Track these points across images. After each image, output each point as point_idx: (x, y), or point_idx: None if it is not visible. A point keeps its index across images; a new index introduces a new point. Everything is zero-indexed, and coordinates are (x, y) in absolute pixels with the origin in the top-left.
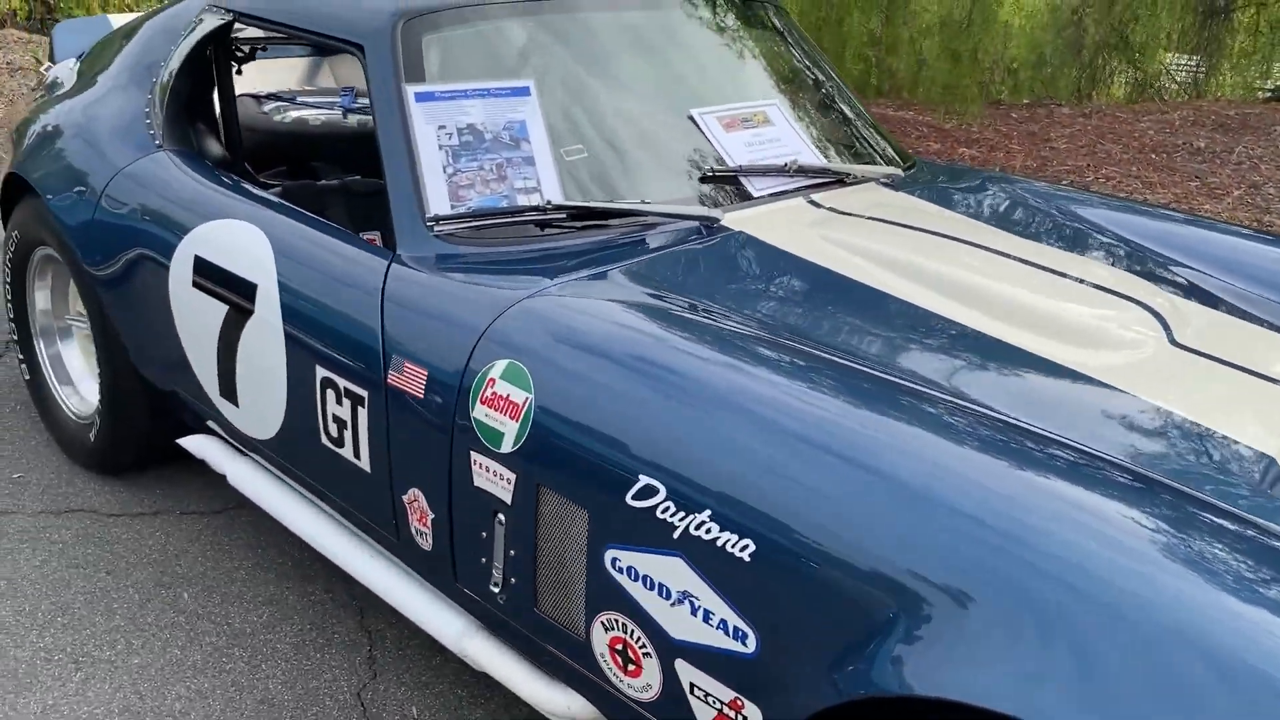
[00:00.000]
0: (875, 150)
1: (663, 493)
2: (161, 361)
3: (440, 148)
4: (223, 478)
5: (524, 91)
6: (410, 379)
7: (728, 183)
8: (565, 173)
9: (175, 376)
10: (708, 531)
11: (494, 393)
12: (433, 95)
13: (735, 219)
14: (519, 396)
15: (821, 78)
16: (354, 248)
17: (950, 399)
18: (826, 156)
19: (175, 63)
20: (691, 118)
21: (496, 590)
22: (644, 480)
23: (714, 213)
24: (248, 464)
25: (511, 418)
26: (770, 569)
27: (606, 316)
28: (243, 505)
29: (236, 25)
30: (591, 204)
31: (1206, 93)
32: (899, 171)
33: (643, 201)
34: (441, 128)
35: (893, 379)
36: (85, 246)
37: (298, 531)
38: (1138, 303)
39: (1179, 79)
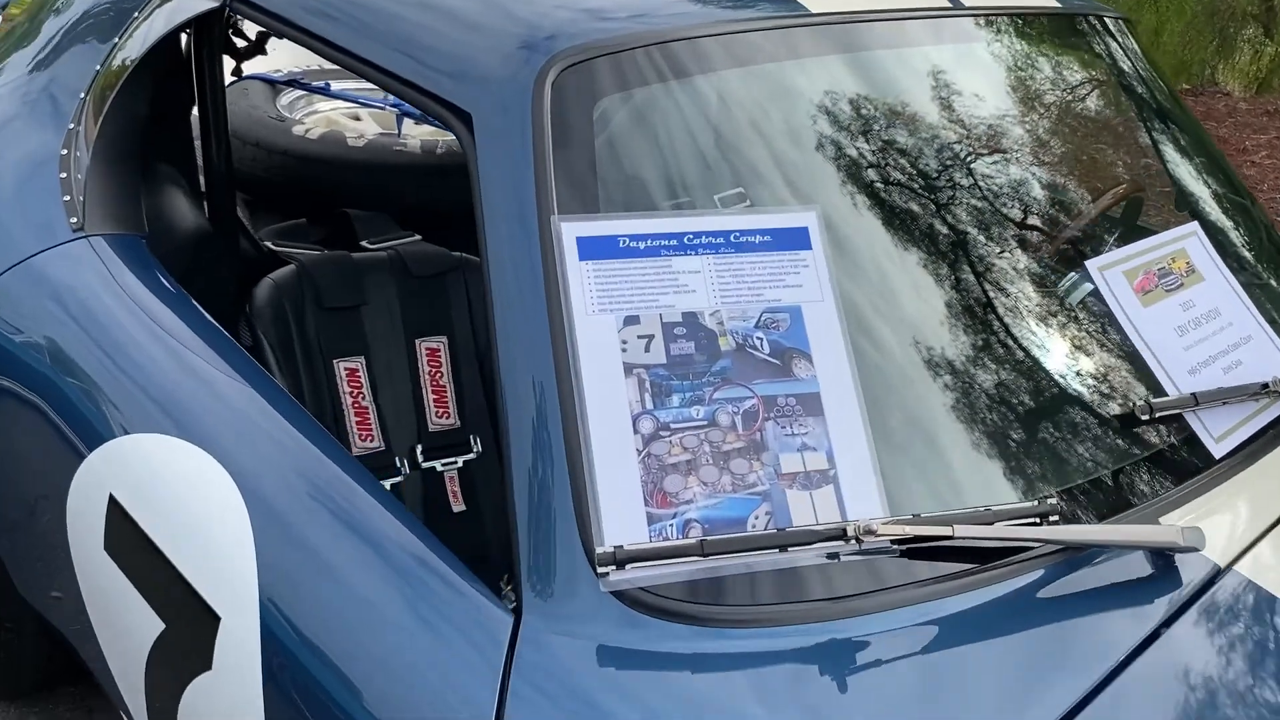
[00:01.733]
0: None
1: None
2: (55, 608)
3: (629, 373)
4: None
5: (800, 238)
6: None
7: (1166, 422)
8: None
9: (81, 642)
10: None
11: None
12: (615, 245)
13: (1221, 541)
14: None
15: (1207, 153)
16: (438, 576)
17: None
18: None
19: (116, 66)
20: (1089, 277)
21: None
22: None
23: (1188, 538)
24: None
25: None
26: None
27: None
28: None
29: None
30: (959, 532)
31: None
32: None
33: (1043, 514)
34: (630, 322)
35: None
36: None
37: None
38: None
39: None
